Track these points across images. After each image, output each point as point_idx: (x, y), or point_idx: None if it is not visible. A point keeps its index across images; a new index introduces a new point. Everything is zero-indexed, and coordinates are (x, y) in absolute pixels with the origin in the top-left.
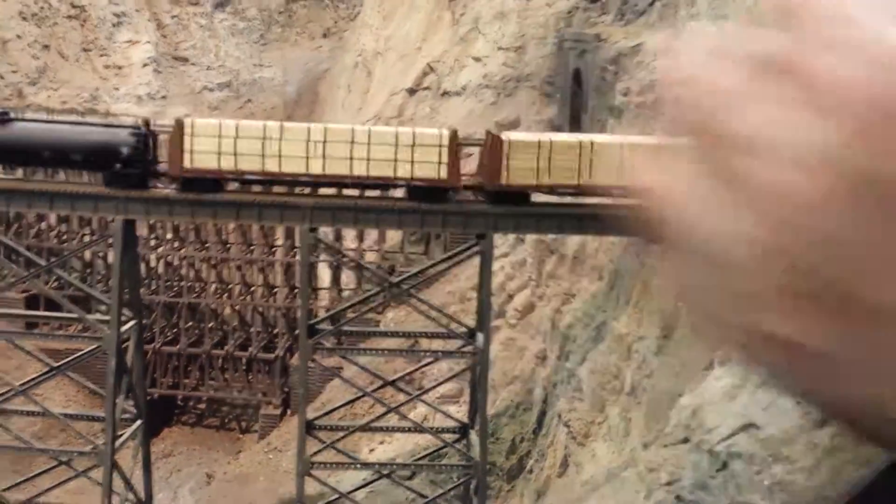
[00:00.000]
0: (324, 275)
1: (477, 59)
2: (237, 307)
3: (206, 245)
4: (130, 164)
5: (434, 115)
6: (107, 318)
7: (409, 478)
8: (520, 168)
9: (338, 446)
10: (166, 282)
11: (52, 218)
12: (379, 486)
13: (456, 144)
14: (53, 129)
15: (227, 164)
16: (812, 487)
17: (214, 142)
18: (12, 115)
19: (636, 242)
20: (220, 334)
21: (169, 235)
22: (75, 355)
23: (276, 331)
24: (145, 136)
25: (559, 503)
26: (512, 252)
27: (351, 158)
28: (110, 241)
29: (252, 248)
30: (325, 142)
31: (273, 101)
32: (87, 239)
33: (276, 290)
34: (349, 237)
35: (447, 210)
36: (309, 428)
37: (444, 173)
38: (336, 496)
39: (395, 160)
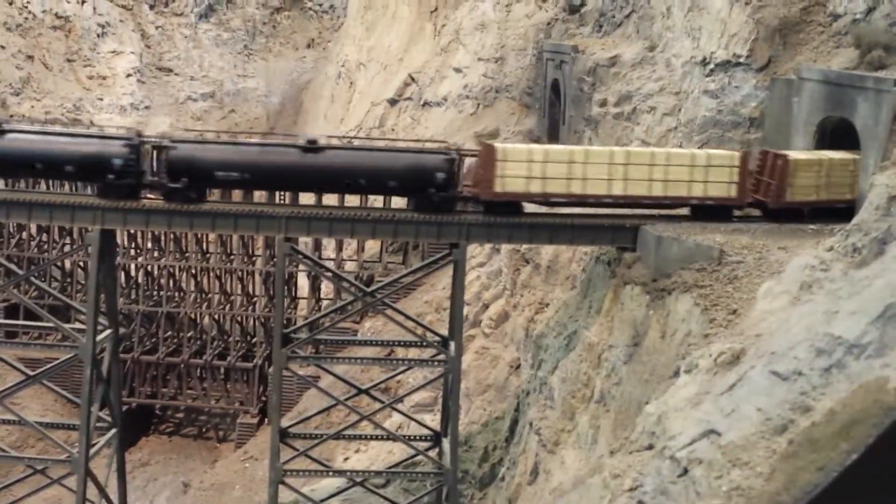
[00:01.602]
0: (304, 284)
1: (457, 70)
2: (216, 316)
3: (186, 255)
4: (443, 188)
5: (415, 126)
6: (83, 327)
7: (384, 486)
8: (801, 186)
9: (313, 455)
10: (145, 291)
11: (34, 228)
12: (354, 493)
13: (747, 165)
14: (368, 156)
15: (535, 187)
16: (769, 493)
17: (524, 166)
18: (320, 143)
19: (607, 251)
20: (199, 343)
21: (149, 245)
22: (50, 365)
23: (254, 340)
24: (454, 161)
25: None
26: (488, 262)
27: (651, 180)
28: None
29: (232, 257)
30: (626, 164)
31: (256, 112)
32: (67, 249)
33: (255, 299)
34: (330, 247)
35: (420, 220)
36: (283, 436)
37: (734, 192)
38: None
39: (690, 181)
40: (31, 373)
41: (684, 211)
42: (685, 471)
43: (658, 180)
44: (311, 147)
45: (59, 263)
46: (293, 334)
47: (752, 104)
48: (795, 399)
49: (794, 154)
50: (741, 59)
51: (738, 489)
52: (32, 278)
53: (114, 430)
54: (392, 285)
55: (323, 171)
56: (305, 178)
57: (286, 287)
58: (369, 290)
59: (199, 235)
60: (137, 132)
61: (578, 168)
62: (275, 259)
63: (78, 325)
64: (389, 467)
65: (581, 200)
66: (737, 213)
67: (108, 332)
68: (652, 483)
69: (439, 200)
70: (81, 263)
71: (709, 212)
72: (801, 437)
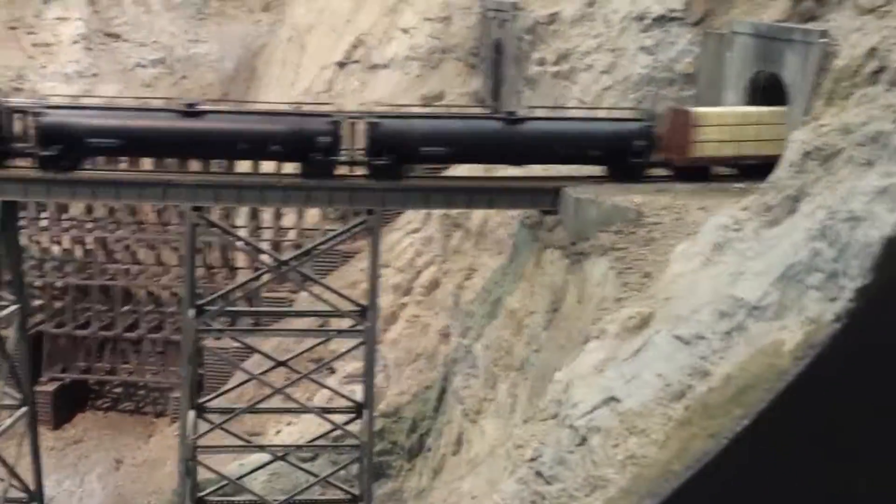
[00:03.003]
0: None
1: (404, 31)
2: (151, 288)
3: (120, 226)
4: (642, 155)
5: (363, 89)
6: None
7: (313, 458)
8: None
9: (240, 429)
10: (78, 264)
11: None
12: (282, 468)
13: None
14: (569, 126)
15: (727, 150)
16: (661, 461)
17: (718, 130)
18: (520, 114)
19: (531, 215)
20: (133, 317)
21: (79, 216)
22: None
23: None
24: (650, 130)
25: (449, 481)
26: (423, 228)
27: None
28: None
29: (167, 227)
30: None
31: (209, 78)
32: None
33: None
34: (268, 215)
35: (333, 186)
36: (201, 411)
37: None
38: (231, 481)
39: None
40: None
41: None
42: (583, 439)
43: None
44: (512, 118)
45: None
46: (206, 306)
47: (687, 60)
48: (695, 363)
49: None
50: (676, 14)
51: (633, 458)
52: None
53: (23, 409)
54: (307, 255)
55: (524, 142)
56: (506, 150)
57: (223, 257)
58: (284, 259)
59: (135, 206)
60: (338, 108)
61: (769, 129)
62: (212, 228)
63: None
64: (312, 440)
65: (769, 161)
66: None
67: (13, 307)
68: (551, 453)
69: (636, 167)
70: None
71: None
72: (696, 403)
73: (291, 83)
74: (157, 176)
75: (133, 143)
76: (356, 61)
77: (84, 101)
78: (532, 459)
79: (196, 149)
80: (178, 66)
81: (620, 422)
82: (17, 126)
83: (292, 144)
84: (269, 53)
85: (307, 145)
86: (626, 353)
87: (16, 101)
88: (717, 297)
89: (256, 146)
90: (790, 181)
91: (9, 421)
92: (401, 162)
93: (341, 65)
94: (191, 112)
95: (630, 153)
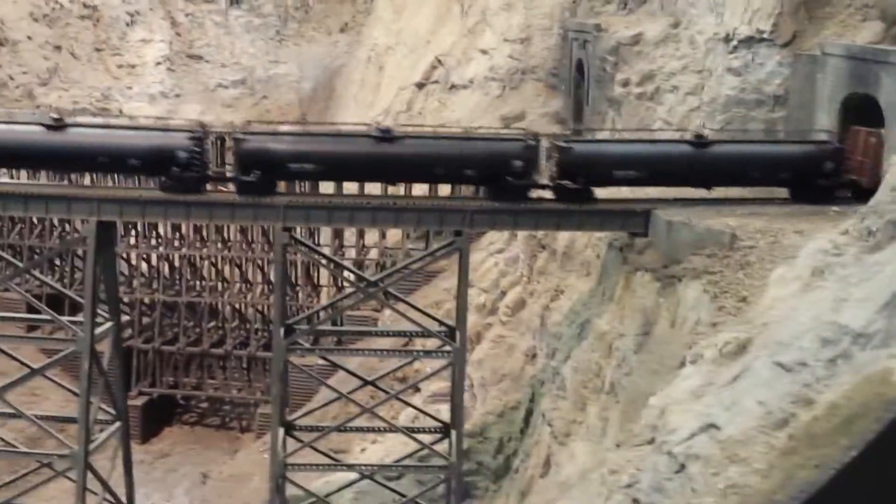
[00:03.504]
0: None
1: (484, 52)
2: (237, 305)
3: (207, 243)
4: (831, 177)
5: (442, 109)
6: (81, 319)
7: (398, 478)
8: None
9: (328, 447)
10: (166, 281)
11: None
12: (369, 486)
13: None
14: (751, 147)
15: None
16: (764, 491)
17: None
18: (708, 137)
19: (620, 237)
20: (220, 333)
21: (170, 234)
22: (53, 358)
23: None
24: (840, 151)
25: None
26: (507, 248)
27: None
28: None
29: (252, 245)
30: None
31: (288, 98)
32: (69, 235)
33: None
34: (349, 234)
35: (422, 207)
36: (290, 429)
37: None
38: (320, 499)
39: None
40: (32, 366)
41: None
42: (682, 467)
43: None
44: (701, 142)
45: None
46: (295, 325)
47: (777, 81)
48: (798, 391)
49: None
50: (765, 35)
51: (735, 487)
52: (31, 271)
53: (117, 424)
54: (393, 275)
55: (713, 164)
56: (696, 173)
57: (307, 276)
58: (372, 279)
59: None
60: (534, 133)
61: None
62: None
63: (74, 318)
64: (399, 460)
65: None
66: None
67: (108, 324)
68: (648, 479)
69: (824, 189)
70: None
71: None
72: (800, 432)
73: (370, 103)
74: (249, 198)
75: (330, 168)
76: (435, 82)
77: (282, 127)
78: (628, 486)
79: (391, 173)
80: (259, 87)
81: (721, 449)
82: (217, 152)
83: (486, 168)
84: (348, 74)
85: (501, 169)
86: (724, 380)
87: (217, 128)
88: (820, 323)
89: (451, 170)
90: (892, 205)
91: (103, 435)
92: (589, 185)
93: (420, 85)
94: (385, 137)
95: (819, 175)
